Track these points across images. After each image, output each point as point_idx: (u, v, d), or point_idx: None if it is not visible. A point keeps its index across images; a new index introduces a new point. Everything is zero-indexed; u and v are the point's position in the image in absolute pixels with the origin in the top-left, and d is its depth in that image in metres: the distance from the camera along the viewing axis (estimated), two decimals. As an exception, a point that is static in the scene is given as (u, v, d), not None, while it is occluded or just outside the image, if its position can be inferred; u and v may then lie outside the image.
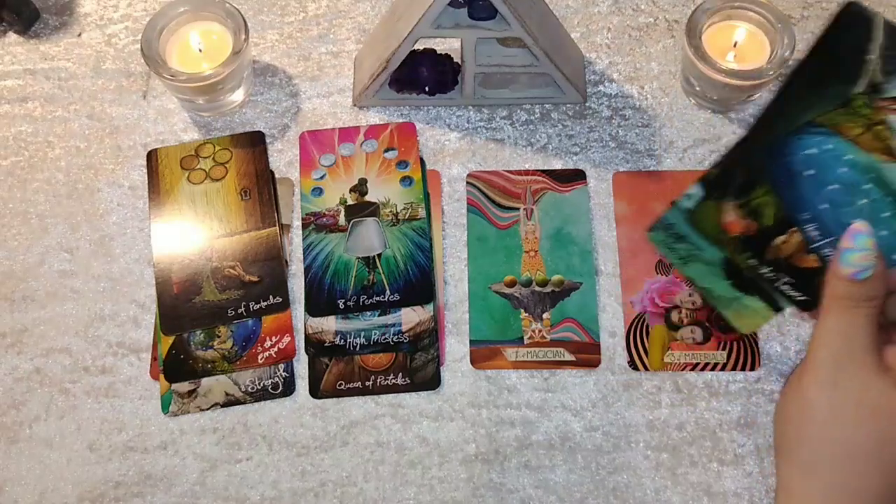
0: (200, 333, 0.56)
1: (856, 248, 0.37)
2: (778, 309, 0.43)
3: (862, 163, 0.37)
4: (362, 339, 0.56)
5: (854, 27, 0.36)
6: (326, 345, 0.56)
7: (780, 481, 0.40)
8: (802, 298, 0.41)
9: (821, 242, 0.39)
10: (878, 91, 0.36)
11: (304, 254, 0.58)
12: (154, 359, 0.56)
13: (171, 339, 0.56)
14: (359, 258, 0.58)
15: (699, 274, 0.44)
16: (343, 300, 0.56)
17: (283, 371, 0.56)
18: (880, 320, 0.39)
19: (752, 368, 0.55)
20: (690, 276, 0.45)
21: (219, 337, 0.56)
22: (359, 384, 0.55)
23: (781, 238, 0.39)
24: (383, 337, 0.56)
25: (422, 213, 0.59)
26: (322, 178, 0.61)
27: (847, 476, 0.38)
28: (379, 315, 0.56)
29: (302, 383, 0.56)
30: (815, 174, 0.38)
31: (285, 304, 0.57)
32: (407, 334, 0.56)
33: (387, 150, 0.61)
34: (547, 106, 0.63)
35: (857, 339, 0.38)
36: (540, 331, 0.56)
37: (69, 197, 0.62)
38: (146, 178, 0.61)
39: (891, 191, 0.37)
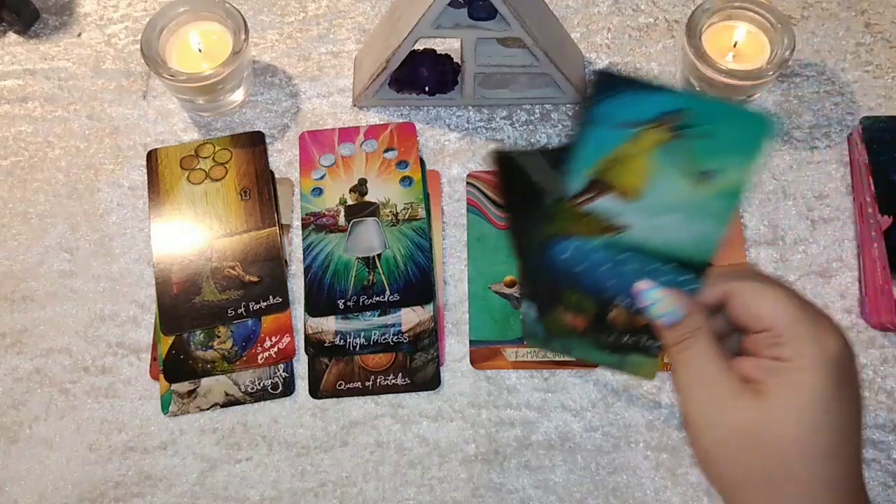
0: (200, 333, 0.56)
1: (651, 303, 0.40)
2: (654, 356, 0.46)
3: (603, 243, 0.41)
4: (362, 340, 0.56)
5: (508, 169, 0.42)
6: (326, 345, 0.56)
7: None
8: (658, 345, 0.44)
9: (636, 307, 0.42)
10: (561, 199, 0.40)
11: (304, 254, 0.58)
12: (154, 359, 0.56)
13: (171, 339, 0.56)
14: (359, 258, 0.58)
15: (583, 355, 0.47)
16: (343, 300, 0.56)
17: (283, 371, 0.56)
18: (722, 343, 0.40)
19: (752, 368, 0.55)
20: (579, 357, 0.48)
21: (219, 337, 0.56)
22: (359, 384, 0.55)
23: (612, 314, 0.42)
24: (383, 337, 0.56)
25: (422, 213, 0.59)
26: (322, 178, 0.61)
27: (751, 501, 0.38)
28: (379, 315, 0.56)
29: (302, 383, 0.56)
30: (584, 267, 0.41)
31: (285, 305, 0.57)
32: (407, 334, 0.56)
33: (387, 151, 0.61)
34: (547, 106, 0.63)
35: (707, 372, 0.39)
36: (540, 331, 0.56)
37: (69, 197, 0.62)
38: (146, 178, 0.61)
39: (640, 250, 0.40)
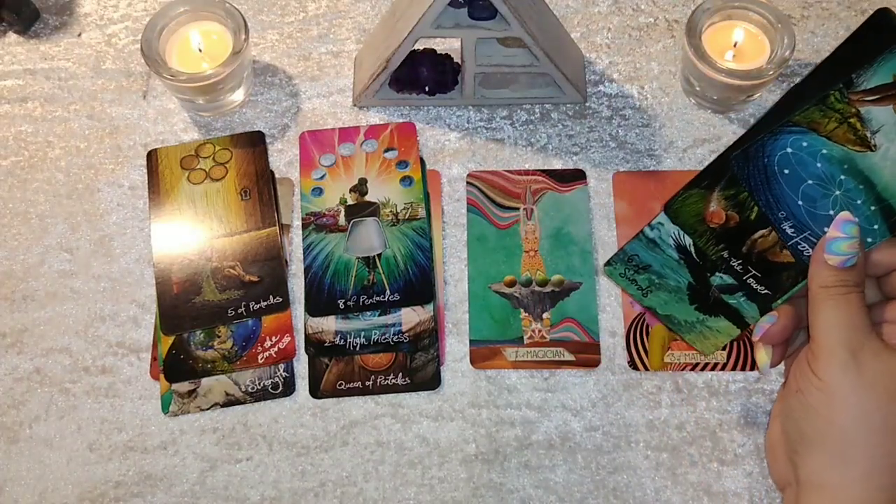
0: (200, 333, 0.56)
1: (844, 237, 0.39)
2: (742, 326, 0.45)
3: (836, 155, 0.39)
4: (362, 339, 0.56)
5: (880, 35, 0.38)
6: (326, 345, 0.56)
7: (805, 477, 0.40)
8: (764, 292, 0.43)
9: (796, 239, 0.41)
10: (850, 85, 0.38)
11: (304, 254, 0.58)
12: (154, 359, 0.56)
13: (171, 339, 0.56)
14: (359, 258, 0.58)
15: (660, 303, 0.46)
16: (343, 300, 0.56)
17: (283, 371, 0.56)
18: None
19: (752, 368, 0.55)
20: (651, 305, 0.47)
21: (219, 337, 0.56)
22: (359, 384, 0.55)
23: (762, 232, 0.41)
24: (383, 337, 0.56)
25: (422, 212, 0.59)
26: (322, 178, 0.61)
27: (886, 456, 0.38)
28: (379, 315, 0.56)
29: (302, 383, 0.56)
30: (790, 173, 0.40)
31: (285, 304, 0.57)
32: (407, 334, 0.56)
33: (387, 150, 0.61)
34: (547, 106, 0.63)
35: (860, 322, 0.39)
36: (540, 331, 0.56)
37: (69, 197, 0.62)
38: (146, 178, 0.61)
39: (863, 178, 0.39)
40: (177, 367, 0.55)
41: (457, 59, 0.63)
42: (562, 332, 0.56)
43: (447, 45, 0.63)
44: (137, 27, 0.68)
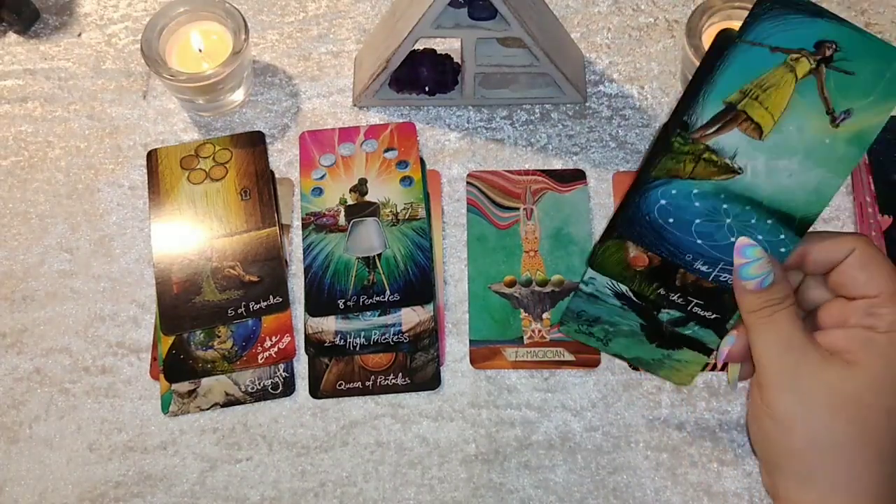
0: (200, 333, 0.56)
1: (750, 261, 0.39)
2: (707, 352, 0.46)
3: (709, 190, 0.39)
4: (362, 339, 0.56)
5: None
6: (326, 345, 0.56)
7: (782, 496, 0.40)
8: (714, 317, 0.43)
9: (713, 273, 0.41)
10: (686, 128, 0.39)
11: (304, 254, 0.58)
12: (154, 359, 0.56)
13: (171, 339, 0.56)
14: (359, 258, 0.58)
15: (623, 348, 0.47)
16: (343, 300, 0.56)
17: (283, 371, 0.56)
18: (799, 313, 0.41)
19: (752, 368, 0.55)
20: (615, 352, 0.48)
21: (219, 337, 0.56)
22: (359, 384, 0.55)
23: (679, 275, 0.42)
24: (383, 337, 0.56)
25: (422, 213, 0.59)
26: (322, 178, 0.61)
27: (844, 473, 0.38)
28: (379, 315, 0.56)
29: (302, 383, 0.56)
30: (675, 220, 0.40)
31: (285, 304, 0.57)
32: (407, 334, 0.56)
33: (387, 150, 0.61)
34: (547, 106, 0.63)
35: (793, 339, 0.39)
36: (540, 331, 0.56)
37: (69, 197, 0.62)
38: (146, 178, 0.61)
39: (745, 199, 0.39)
40: (177, 367, 0.55)
41: (457, 59, 0.63)
42: (562, 332, 0.56)
43: (447, 45, 0.63)
44: (137, 27, 0.68)
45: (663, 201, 0.40)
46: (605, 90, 0.64)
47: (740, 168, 0.39)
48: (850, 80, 0.37)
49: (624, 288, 0.44)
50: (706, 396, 0.54)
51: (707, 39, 0.59)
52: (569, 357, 0.55)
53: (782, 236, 0.39)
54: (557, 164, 0.61)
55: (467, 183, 0.61)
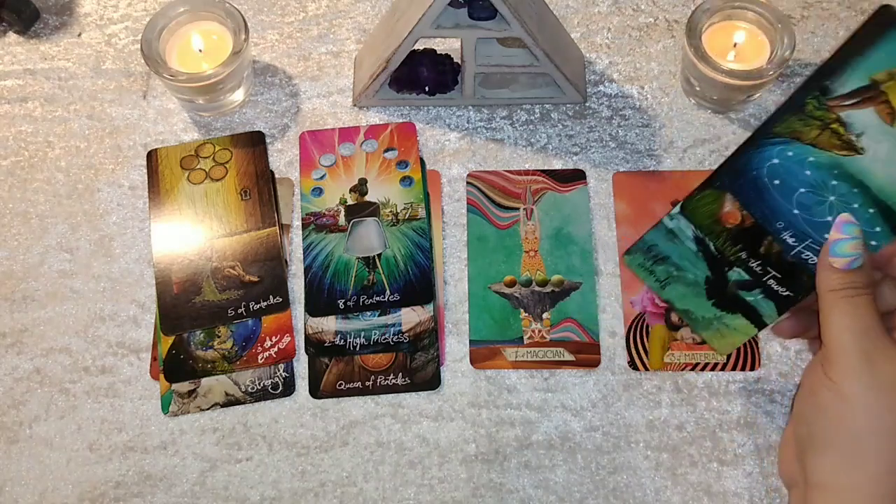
0: (200, 333, 0.56)
1: (846, 238, 0.39)
2: (760, 325, 0.45)
3: (824, 162, 0.39)
4: (362, 339, 0.56)
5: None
6: (326, 345, 0.56)
7: (813, 478, 0.40)
8: (786, 294, 0.43)
9: (798, 248, 0.41)
10: (826, 92, 0.38)
11: (304, 254, 0.58)
12: (154, 359, 0.56)
13: (171, 339, 0.56)
14: (359, 258, 0.58)
15: (678, 296, 0.46)
16: (343, 300, 0.56)
17: (283, 371, 0.56)
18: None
19: (752, 368, 0.55)
20: (669, 298, 0.47)
21: (219, 337, 0.56)
22: (359, 384, 0.55)
23: (765, 243, 0.41)
24: (383, 337, 0.56)
25: (422, 213, 0.59)
26: (322, 178, 0.61)
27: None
28: (379, 315, 0.56)
29: (302, 383, 0.56)
30: (781, 183, 0.40)
31: (285, 304, 0.57)
32: (407, 334, 0.56)
33: (387, 150, 0.61)
34: (547, 106, 0.63)
35: (871, 325, 0.39)
36: (540, 331, 0.56)
37: (69, 197, 0.62)
38: (146, 178, 0.61)
39: (856, 182, 0.39)
40: (177, 367, 0.55)
41: (457, 59, 0.63)
42: (562, 332, 0.56)
43: (447, 45, 0.63)
44: (137, 27, 0.68)
45: (776, 160, 0.39)
46: (605, 90, 0.64)
47: (862, 148, 0.38)
48: None
49: (707, 238, 0.43)
50: (706, 396, 0.54)
51: (707, 40, 0.60)
52: (569, 357, 0.55)
53: (878, 229, 0.39)
54: (557, 164, 0.61)
55: (467, 183, 0.61)
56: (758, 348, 0.55)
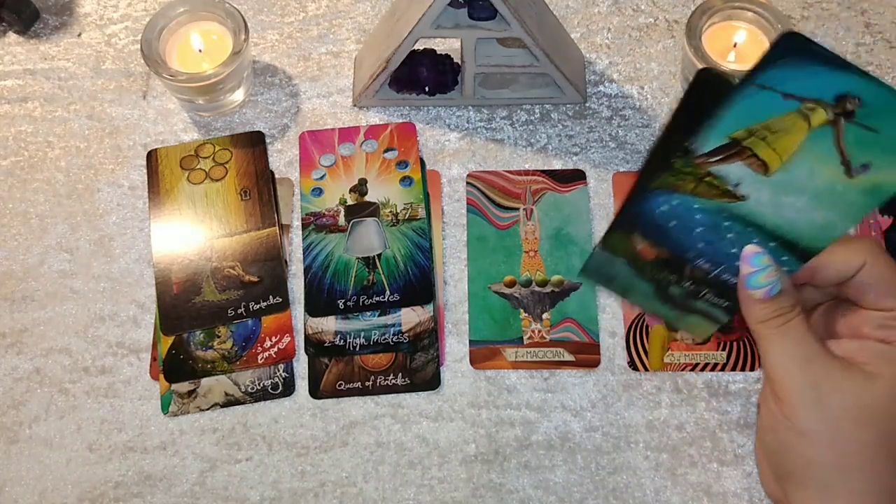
0: (200, 333, 0.56)
1: (757, 270, 0.38)
2: (719, 322, 0.45)
3: (711, 208, 0.38)
4: (362, 340, 0.56)
5: (707, 93, 0.37)
6: (326, 345, 0.56)
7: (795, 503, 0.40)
8: (726, 304, 0.43)
9: (715, 272, 0.40)
10: (687, 153, 0.37)
11: (304, 254, 0.58)
12: (154, 359, 0.56)
13: (171, 340, 0.56)
14: (359, 258, 0.58)
15: (641, 301, 0.46)
16: (343, 300, 0.56)
17: (283, 371, 0.56)
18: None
19: (752, 368, 0.55)
20: (635, 302, 0.48)
21: (219, 337, 0.56)
22: (359, 384, 0.55)
23: (687, 270, 0.41)
24: (383, 337, 0.56)
25: (422, 213, 0.59)
26: (322, 178, 0.61)
27: (869, 484, 0.37)
28: (379, 315, 0.56)
29: (302, 383, 0.56)
30: (677, 224, 0.39)
31: (285, 305, 0.57)
32: (407, 334, 0.56)
33: (387, 151, 0.61)
34: (547, 106, 0.63)
35: (810, 349, 0.38)
36: (539, 331, 0.56)
37: (69, 197, 0.62)
38: (146, 178, 0.61)
39: (748, 223, 0.38)
40: (177, 367, 0.55)
41: (457, 59, 0.63)
42: (561, 332, 0.56)
43: (447, 45, 0.63)
44: (137, 27, 0.68)
45: (665, 207, 0.39)
46: (605, 90, 0.64)
47: (743, 195, 0.37)
48: (873, 136, 0.35)
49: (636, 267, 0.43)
50: (706, 396, 0.54)
51: (707, 40, 0.60)
52: (569, 357, 0.55)
53: (785, 258, 0.39)
54: (557, 165, 0.61)
55: (467, 183, 0.61)
56: (757, 348, 0.55)
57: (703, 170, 0.37)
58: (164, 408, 0.55)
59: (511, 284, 0.58)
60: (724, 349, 0.55)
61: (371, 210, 0.59)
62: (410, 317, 0.56)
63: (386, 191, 0.60)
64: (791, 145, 0.36)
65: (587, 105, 0.63)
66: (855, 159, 0.36)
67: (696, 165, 0.37)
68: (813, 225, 0.37)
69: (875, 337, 0.38)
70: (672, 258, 0.41)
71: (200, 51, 0.62)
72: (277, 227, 0.59)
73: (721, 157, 0.37)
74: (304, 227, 0.59)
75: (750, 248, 0.39)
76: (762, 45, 0.60)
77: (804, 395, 0.38)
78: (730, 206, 0.38)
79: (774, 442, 0.40)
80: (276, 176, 0.61)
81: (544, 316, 0.56)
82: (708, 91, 0.37)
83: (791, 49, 0.34)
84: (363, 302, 0.56)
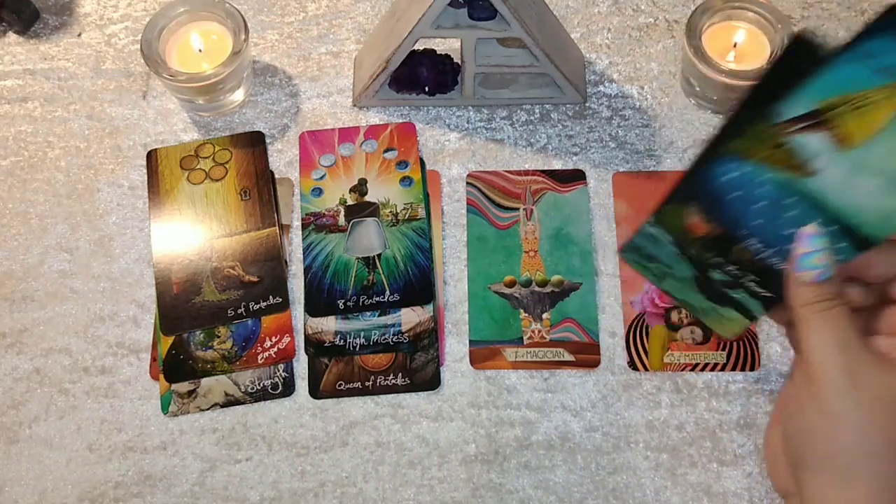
0: (200, 333, 0.56)
1: (813, 251, 0.38)
2: (752, 318, 0.44)
3: (779, 180, 0.38)
4: (362, 340, 0.56)
5: (800, 60, 0.36)
6: (326, 345, 0.56)
7: (809, 494, 0.40)
8: (767, 295, 0.42)
9: (766, 253, 0.40)
10: (772, 117, 0.37)
11: (303, 254, 0.58)
12: (154, 359, 0.56)
13: (171, 340, 0.56)
14: (359, 258, 0.58)
15: (675, 288, 0.46)
16: (343, 300, 0.56)
17: (283, 371, 0.56)
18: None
19: (752, 368, 0.55)
20: (667, 290, 0.47)
21: (219, 337, 0.56)
22: (358, 384, 0.55)
23: (736, 249, 0.41)
24: (383, 337, 0.56)
25: (421, 213, 0.59)
26: (322, 178, 0.61)
27: (890, 477, 0.37)
28: (379, 315, 0.56)
29: (302, 383, 0.56)
30: (740, 195, 0.39)
31: (285, 305, 0.57)
32: (407, 334, 0.56)
33: (387, 151, 0.61)
34: (547, 106, 0.63)
35: (850, 337, 0.38)
36: (539, 331, 0.56)
37: (69, 197, 0.62)
38: (146, 178, 0.61)
39: (812, 201, 0.38)
40: (177, 367, 0.55)
41: (457, 59, 0.63)
42: (561, 332, 0.56)
43: (447, 45, 0.63)
44: (137, 27, 0.67)
45: (732, 175, 0.38)
46: (605, 90, 0.64)
47: (816, 170, 0.37)
48: None
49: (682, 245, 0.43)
50: (706, 396, 0.54)
51: (707, 40, 0.60)
52: (569, 357, 0.55)
53: (842, 244, 0.38)
54: (557, 165, 0.61)
55: (467, 183, 0.61)
56: (758, 348, 0.55)
57: (782, 137, 0.36)
58: (164, 408, 0.55)
59: (511, 284, 0.58)
60: (724, 349, 0.55)
61: (371, 210, 0.59)
62: (410, 317, 0.56)
63: (386, 191, 0.60)
64: (877, 121, 0.35)
65: (587, 105, 0.63)
66: None
67: (776, 132, 0.36)
68: (880, 211, 0.37)
69: None
70: (723, 235, 0.40)
71: (200, 51, 0.62)
72: (277, 227, 0.59)
73: (805, 124, 0.36)
74: (304, 227, 0.59)
75: (810, 228, 0.38)
76: (762, 45, 0.60)
77: (837, 381, 0.38)
78: (799, 180, 0.37)
79: (800, 426, 0.40)
80: (276, 176, 0.61)
81: (544, 316, 0.56)
82: (800, 57, 0.36)
83: (892, 23, 0.33)
84: (363, 302, 0.56)
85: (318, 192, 0.60)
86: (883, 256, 0.39)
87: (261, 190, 0.60)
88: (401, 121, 0.63)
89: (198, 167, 0.61)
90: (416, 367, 0.55)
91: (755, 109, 0.37)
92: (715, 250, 0.41)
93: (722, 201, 0.39)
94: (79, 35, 0.68)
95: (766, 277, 0.41)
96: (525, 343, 0.56)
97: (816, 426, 0.39)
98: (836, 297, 0.38)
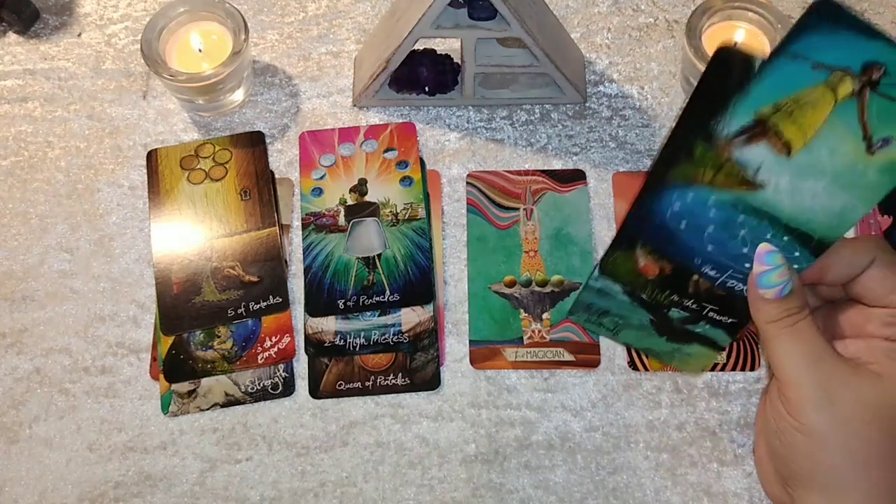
0: (200, 333, 0.56)
1: (770, 269, 0.38)
2: (719, 348, 0.45)
3: (726, 200, 0.38)
4: (362, 340, 0.56)
5: (727, 73, 0.36)
6: (326, 345, 0.56)
7: None
8: (730, 321, 0.42)
9: (721, 278, 0.40)
10: (711, 136, 0.36)
11: (304, 254, 0.58)
12: (154, 359, 0.56)
13: (171, 340, 0.56)
14: (359, 258, 0.58)
15: (634, 339, 0.46)
16: (343, 300, 0.56)
17: (283, 371, 0.56)
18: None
19: (752, 368, 0.55)
20: (626, 342, 0.47)
21: (219, 337, 0.56)
22: (359, 384, 0.55)
23: (692, 281, 0.41)
24: (383, 337, 0.56)
25: (422, 213, 0.59)
26: (322, 178, 0.61)
27: (877, 486, 0.37)
28: (379, 315, 0.56)
29: (302, 383, 0.56)
30: (688, 223, 0.39)
31: (285, 305, 0.57)
32: (407, 334, 0.56)
33: (387, 151, 0.61)
34: (547, 106, 0.63)
35: (819, 349, 0.38)
36: (539, 331, 0.56)
37: (69, 197, 0.62)
38: (146, 178, 0.61)
39: (763, 214, 0.38)
40: (177, 367, 0.55)
41: (457, 59, 0.63)
42: (562, 332, 0.56)
43: (447, 45, 0.63)
44: (137, 27, 0.68)
45: (677, 205, 0.38)
46: (605, 90, 0.64)
47: (762, 183, 0.37)
48: (895, 107, 0.34)
49: (635, 291, 0.43)
50: (706, 396, 0.54)
51: (707, 40, 0.60)
52: (569, 357, 0.55)
53: (797, 254, 0.38)
54: (557, 165, 0.61)
55: (467, 183, 0.61)
56: (758, 348, 0.55)
57: (724, 156, 0.36)
58: (164, 408, 0.55)
59: (511, 284, 0.58)
60: (723, 349, 0.55)
61: (371, 210, 0.59)
62: (410, 317, 0.56)
63: (386, 191, 0.60)
64: (816, 121, 0.35)
65: (587, 105, 0.63)
66: (876, 133, 0.35)
67: (717, 151, 0.36)
68: (830, 212, 0.37)
69: (881, 335, 0.38)
70: (676, 271, 0.41)
71: (200, 51, 0.62)
72: (277, 227, 0.59)
73: (746, 136, 0.36)
74: (304, 227, 0.59)
75: (765, 246, 0.38)
76: (762, 45, 0.60)
77: (813, 397, 0.38)
78: (747, 196, 0.37)
79: (782, 445, 0.40)
80: (276, 176, 0.61)
81: (544, 316, 0.56)
82: (728, 70, 0.36)
83: (824, 16, 0.33)
84: (363, 302, 0.56)
85: (318, 192, 0.60)
86: (838, 258, 0.39)
87: (261, 190, 0.60)
88: (401, 121, 0.63)
89: (198, 167, 0.61)
90: (416, 367, 0.55)
91: (694, 131, 0.37)
92: (670, 288, 0.41)
93: (671, 234, 0.39)
94: (79, 35, 0.68)
95: (726, 304, 0.41)
96: (525, 343, 0.56)
97: (798, 445, 0.39)
98: (800, 310, 0.38)
